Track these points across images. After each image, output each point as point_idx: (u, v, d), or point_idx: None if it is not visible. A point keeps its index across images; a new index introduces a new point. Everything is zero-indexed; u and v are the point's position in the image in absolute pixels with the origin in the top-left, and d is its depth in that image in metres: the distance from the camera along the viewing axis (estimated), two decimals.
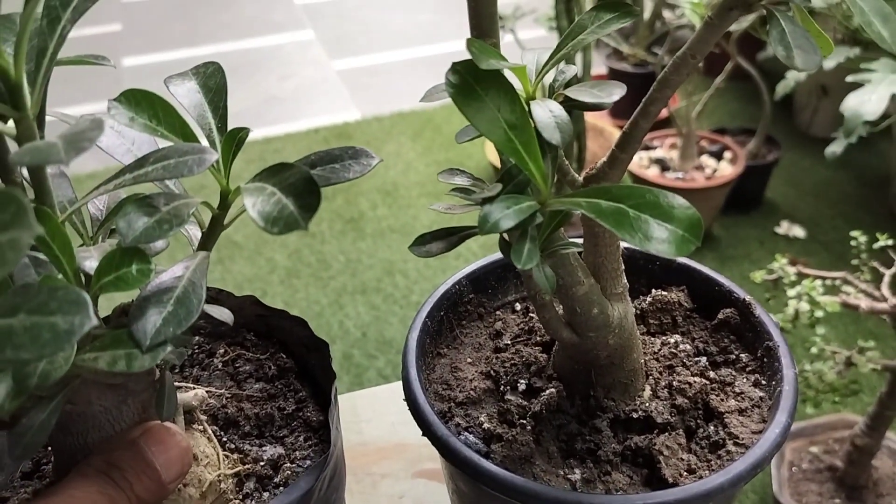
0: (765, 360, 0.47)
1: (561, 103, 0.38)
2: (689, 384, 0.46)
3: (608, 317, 0.43)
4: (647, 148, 2.11)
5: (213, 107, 0.38)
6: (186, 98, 0.38)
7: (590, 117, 2.22)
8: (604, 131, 2.31)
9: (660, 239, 0.32)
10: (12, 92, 0.29)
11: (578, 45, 0.39)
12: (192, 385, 0.47)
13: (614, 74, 2.50)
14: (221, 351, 0.50)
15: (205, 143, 0.37)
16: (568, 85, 0.42)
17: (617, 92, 0.37)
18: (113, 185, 0.32)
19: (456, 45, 3.11)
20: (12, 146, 0.31)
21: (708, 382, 0.47)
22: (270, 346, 0.51)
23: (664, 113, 2.13)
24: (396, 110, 2.75)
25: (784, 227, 2.09)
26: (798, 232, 2.07)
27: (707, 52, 0.37)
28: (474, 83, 0.35)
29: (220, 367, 0.50)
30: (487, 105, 0.35)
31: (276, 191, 0.31)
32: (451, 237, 0.40)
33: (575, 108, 0.38)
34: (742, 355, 0.49)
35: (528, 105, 0.38)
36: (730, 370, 0.48)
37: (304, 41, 3.32)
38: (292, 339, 0.50)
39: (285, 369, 0.49)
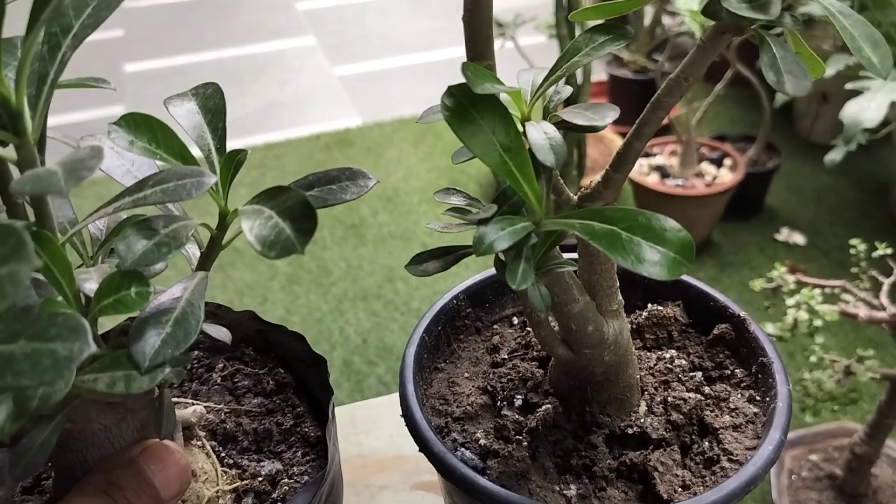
0: (759, 375, 0.48)
1: (556, 124, 0.39)
2: (685, 400, 0.46)
3: (603, 334, 0.43)
4: (648, 155, 2.11)
5: (212, 128, 0.39)
6: (186, 119, 0.39)
7: None
8: (604, 138, 2.31)
9: (652, 261, 0.33)
10: (13, 119, 0.29)
11: (573, 66, 0.39)
12: (190, 400, 0.47)
13: (615, 81, 2.51)
14: (220, 365, 0.51)
15: (203, 164, 0.37)
16: (568, 102, 0.42)
17: (610, 115, 0.37)
18: (112, 209, 0.32)
19: (456, 52, 3.12)
20: (14, 167, 0.32)
21: (703, 398, 0.47)
22: (269, 360, 0.51)
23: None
24: (398, 116, 2.76)
25: (784, 234, 2.09)
26: (798, 239, 2.07)
27: (701, 74, 0.37)
28: (469, 106, 0.35)
29: (218, 381, 0.50)
30: (482, 128, 0.35)
31: (273, 214, 0.32)
32: (447, 256, 0.40)
33: (570, 130, 0.38)
34: (737, 371, 0.49)
35: (524, 125, 0.38)
36: (725, 385, 0.49)
37: (306, 47, 3.33)
38: (290, 354, 0.51)
39: (283, 384, 0.50)
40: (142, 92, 2.91)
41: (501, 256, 0.39)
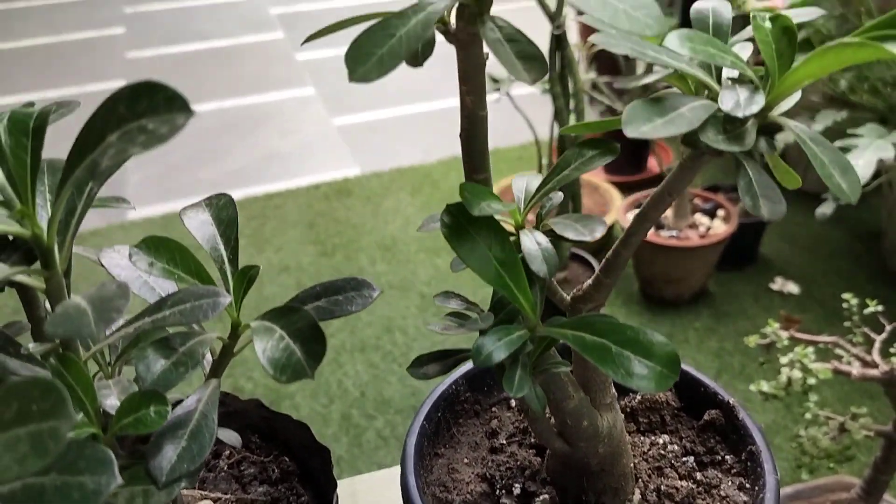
0: (748, 463, 0.49)
1: (546, 232, 0.41)
2: (677, 489, 0.48)
3: (598, 427, 0.45)
4: (641, 206, 2.14)
5: (224, 239, 0.41)
6: (199, 231, 0.41)
7: (585, 174, 2.26)
8: (598, 188, 2.35)
9: (640, 375, 0.35)
10: (45, 254, 0.31)
11: (564, 179, 0.42)
12: (199, 492, 0.48)
13: (608, 132, 2.55)
14: (227, 453, 0.52)
15: (216, 274, 0.39)
16: (562, 209, 0.45)
17: (599, 229, 0.40)
18: (133, 329, 0.34)
19: (452, 102, 3.18)
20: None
21: (695, 486, 0.49)
22: (274, 448, 0.53)
23: (657, 170, 2.19)
24: (395, 166, 2.80)
25: (778, 284, 2.11)
26: (792, 288, 2.10)
27: (684, 190, 0.40)
28: (467, 225, 0.37)
29: (225, 469, 0.52)
30: (479, 245, 0.37)
31: (285, 335, 0.34)
32: (447, 360, 0.42)
33: (560, 241, 0.41)
34: (727, 457, 0.51)
35: (517, 232, 0.41)
36: (716, 472, 0.50)
37: (305, 97, 3.39)
38: (295, 441, 0.52)
39: (288, 472, 0.51)
40: None
41: None
